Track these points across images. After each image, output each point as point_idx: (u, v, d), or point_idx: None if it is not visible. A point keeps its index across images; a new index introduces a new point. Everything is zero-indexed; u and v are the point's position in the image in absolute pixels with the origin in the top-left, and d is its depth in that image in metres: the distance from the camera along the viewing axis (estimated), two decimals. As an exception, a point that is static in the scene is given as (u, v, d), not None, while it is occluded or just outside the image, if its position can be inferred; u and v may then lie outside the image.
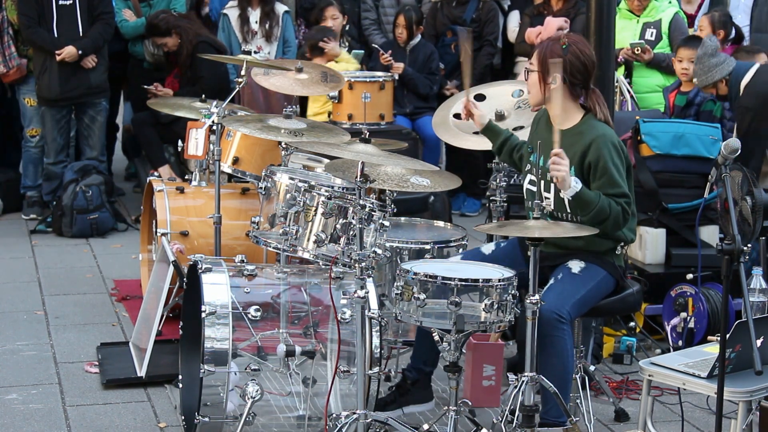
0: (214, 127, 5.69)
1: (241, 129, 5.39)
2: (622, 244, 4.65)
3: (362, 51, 8.37)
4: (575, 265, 4.55)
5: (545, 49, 4.58)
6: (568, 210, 4.54)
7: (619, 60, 7.49)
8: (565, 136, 4.56)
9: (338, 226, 4.34)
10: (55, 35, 7.96)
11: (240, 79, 5.75)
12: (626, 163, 4.56)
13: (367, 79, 7.65)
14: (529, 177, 4.68)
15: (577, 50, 4.56)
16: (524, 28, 8.20)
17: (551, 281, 4.51)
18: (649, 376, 4.15)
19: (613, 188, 4.46)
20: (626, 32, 7.65)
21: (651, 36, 7.62)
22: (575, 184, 4.38)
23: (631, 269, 6.01)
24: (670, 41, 7.68)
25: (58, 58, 7.91)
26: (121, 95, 9.48)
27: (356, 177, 4.15)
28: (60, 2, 7.96)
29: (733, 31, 7.54)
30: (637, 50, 7.48)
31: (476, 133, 5.53)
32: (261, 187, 4.66)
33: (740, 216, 5.21)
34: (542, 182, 4.59)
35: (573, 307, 4.41)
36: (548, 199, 4.57)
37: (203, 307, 4.35)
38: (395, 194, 5.07)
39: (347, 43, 8.47)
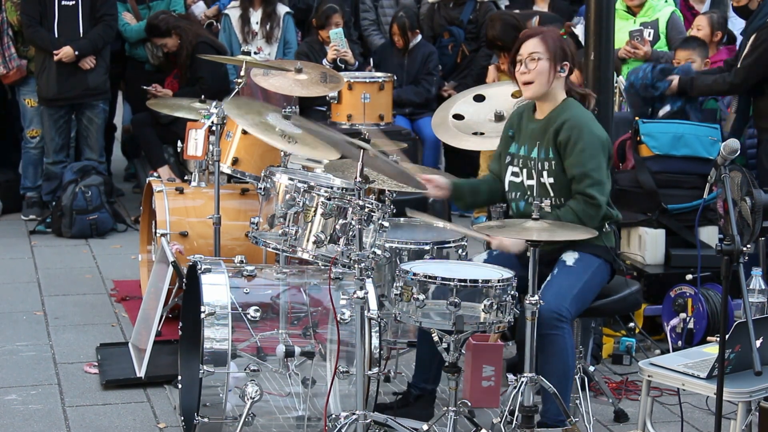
0: (214, 128, 5.69)
1: (239, 121, 5.38)
2: (609, 221, 4.61)
3: (340, 29, 8.29)
4: (569, 257, 4.55)
5: (550, 37, 4.56)
6: (551, 194, 4.54)
7: (620, 55, 7.49)
8: (546, 120, 4.58)
9: (337, 226, 4.34)
10: (56, 35, 7.97)
11: (239, 80, 5.76)
12: (603, 145, 4.52)
13: (367, 80, 7.64)
14: (510, 169, 4.67)
15: (570, 36, 4.60)
16: None
17: (548, 278, 4.51)
18: (649, 376, 4.15)
19: (577, 168, 4.45)
20: (623, 33, 7.64)
21: (648, 36, 7.61)
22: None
23: (630, 269, 6.02)
24: (667, 41, 7.68)
25: (55, 58, 7.92)
26: (119, 96, 9.50)
27: (355, 177, 4.15)
28: (62, 3, 7.97)
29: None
30: (637, 38, 7.45)
31: (476, 133, 5.55)
32: (260, 188, 4.66)
33: (740, 216, 5.21)
34: (524, 170, 4.61)
35: (572, 303, 4.41)
36: (531, 186, 4.57)
37: (202, 308, 4.35)
38: (394, 194, 5.07)
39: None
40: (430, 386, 4.81)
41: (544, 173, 4.55)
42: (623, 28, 7.66)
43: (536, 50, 4.54)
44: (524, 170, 4.61)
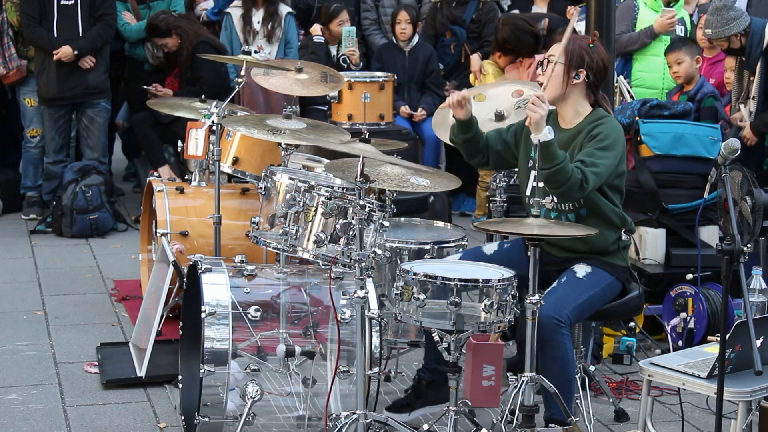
0: (214, 128, 5.69)
1: (241, 130, 5.39)
2: (624, 230, 4.57)
3: (354, 27, 8.36)
4: (581, 270, 4.51)
5: (573, 44, 4.52)
6: (576, 203, 4.52)
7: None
8: (575, 129, 4.55)
9: (338, 226, 4.34)
10: (55, 35, 7.97)
11: (240, 79, 5.76)
12: (618, 157, 4.44)
13: (367, 80, 7.65)
14: (533, 174, 4.61)
15: (601, 50, 4.56)
16: None
17: (554, 284, 4.49)
18: (649, 376, 4.16)
19: (588, 157, 4.34)
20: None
21: (680, 32, 7.60)
22: (548, 133, 4.23)
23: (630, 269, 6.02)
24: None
25: (54, 57, 7.93)
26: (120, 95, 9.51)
27: (356, 177, 4.15)
28: (61, 2, 7.97)
29: None
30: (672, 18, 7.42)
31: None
32: (261, 188, 4.66)
33: (740, 216, 5.21)
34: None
35: (573, 311, 4.38)
36: (551, 199, 4.55)
37: (203, 308, 4.35)
38: (395, 194, 5.07)
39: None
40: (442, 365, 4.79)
41: None
42: (654, 19, 7.60)
43: (553, 53, 4.52)
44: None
